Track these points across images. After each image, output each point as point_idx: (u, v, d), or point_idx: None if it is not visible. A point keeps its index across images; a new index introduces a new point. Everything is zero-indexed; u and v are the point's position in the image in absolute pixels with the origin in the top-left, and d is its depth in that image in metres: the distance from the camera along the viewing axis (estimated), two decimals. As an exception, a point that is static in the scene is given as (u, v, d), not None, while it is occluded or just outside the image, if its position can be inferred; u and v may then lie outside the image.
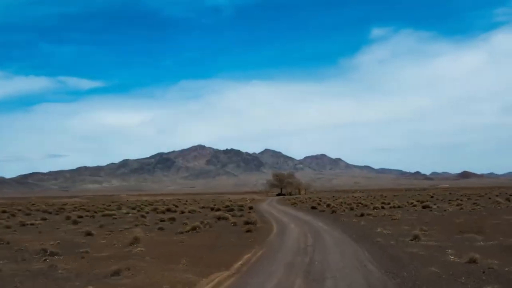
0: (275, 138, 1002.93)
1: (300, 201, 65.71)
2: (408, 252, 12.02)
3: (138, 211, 36.62)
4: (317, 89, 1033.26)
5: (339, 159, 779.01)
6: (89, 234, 17.57)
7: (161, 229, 19.22)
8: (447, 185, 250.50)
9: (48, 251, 11.08)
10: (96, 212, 34.99)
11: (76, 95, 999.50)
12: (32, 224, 24.20)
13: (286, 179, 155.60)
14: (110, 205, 51.58)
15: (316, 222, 25.12)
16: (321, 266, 10.30)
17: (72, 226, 23.37)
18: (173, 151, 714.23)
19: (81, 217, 31.06)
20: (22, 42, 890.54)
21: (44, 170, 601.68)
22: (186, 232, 19.26)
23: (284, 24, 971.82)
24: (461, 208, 32.45)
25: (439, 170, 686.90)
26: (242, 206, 45.51)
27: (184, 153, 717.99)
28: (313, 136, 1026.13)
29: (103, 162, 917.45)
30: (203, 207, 43.59)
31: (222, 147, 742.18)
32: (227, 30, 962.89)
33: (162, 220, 25.85)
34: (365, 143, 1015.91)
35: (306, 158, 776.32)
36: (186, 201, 63.77)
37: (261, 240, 16.29)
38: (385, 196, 78.30)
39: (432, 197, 64.81)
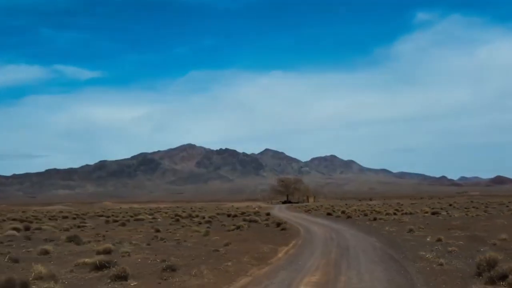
0: (280, 137, 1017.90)
1: (312, 208, 75.07)
2: (402, 238, 21.38)
3: (164, 216, 46.01)
4: (342, 80, 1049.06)
5: (352, 161, 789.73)
6: (160, 230, 26.85)
7: (206, 230, 28.31)
8: (477, 192, 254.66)
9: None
10: (131, 217, 44.39)
11: (71, 86, 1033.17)
12: (83, 227, 33.47)
13: (292, 185, 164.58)
14: (124, 212, 60.96)
15: (334, 225, 34.48)
16: (345, 244, 19.60)
17: (124, 227, 32.52)
18: (158, 151, 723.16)
19: (116, 221, 40.37)
20: (20, 27, 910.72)
21: (7, 173, 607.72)
22: (233, 230, 28.46)
23: (311, 7, 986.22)
24: (466, 214, 41.98)
25: (469, 174, 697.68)
26: (258, 212, 54.96)
27: (171, 153, 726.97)
28: (324, 135, 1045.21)
29: (78, 163, 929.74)
30: (218, 214, 52.91)
31: (215, 146, 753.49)
32: (247, 14, 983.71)
33: (200, 223, 35.13)
34: (384, 143, 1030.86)
35: (313, 159, 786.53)
36: (184, 210, 72.76)
37: (296, 235, 25.53)
38: (402, 204, 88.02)
39: (450, 205, 74.43)
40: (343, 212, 52.21)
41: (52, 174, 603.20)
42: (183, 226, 32.03)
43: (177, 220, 39.68)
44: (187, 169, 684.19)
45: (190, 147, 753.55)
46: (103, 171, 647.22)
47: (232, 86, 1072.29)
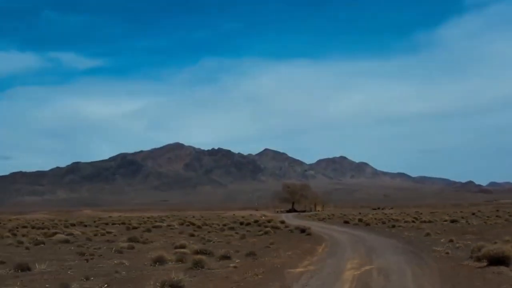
0: (284, 135, 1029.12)
1: (325, 218, 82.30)
2: (419, 240, 28.69)
3: (181, 224, 53.29)
4: (372, 70, 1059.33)
5: (365, 164, 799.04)
6: (195, 235, 34.02)
7: (242, 235, 35.48)
8: (509, 200, 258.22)
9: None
10: (142, 224, 51.72)
11: (66, 76, 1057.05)
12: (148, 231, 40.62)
13: (299, 192, 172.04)
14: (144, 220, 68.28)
15: (354, 231, 41.71)
16: (370, 244, 26.84)
17: (163, 233, 39.67)
18: (141, 151, 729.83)
19: (136, 227, 47.59)
20: (15, 9, 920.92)
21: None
22: (261, 235, 35.64)
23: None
24: (485, 222, 49.45)
25: (500, 179, 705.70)
26: (270, 221, 62.20)
27: (155, 153, 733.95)
28: (335, 134, 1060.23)
29: (49, 165, 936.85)
30: (232, 222, 60.11)
31: (206, 146, 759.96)
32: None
33: (223, 230, 42.33)
34: (404, 143, 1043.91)
35: (320, 161, 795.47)
36: (182, 219, 79.73)
37: (323, 239, 32.67)
38: (421, 213, 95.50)
39: (473, 214, 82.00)
40: (360, 220, 59.53)
41: (17, 178, 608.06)
42: (209, 232, 39.16)
43: (199, 227, 46.82)
44: (174, 172, 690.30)
45: (177, 146, 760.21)
46: (76, 175, 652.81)
47: (246, 76, 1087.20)
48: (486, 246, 17.62)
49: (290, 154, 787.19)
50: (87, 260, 19.44)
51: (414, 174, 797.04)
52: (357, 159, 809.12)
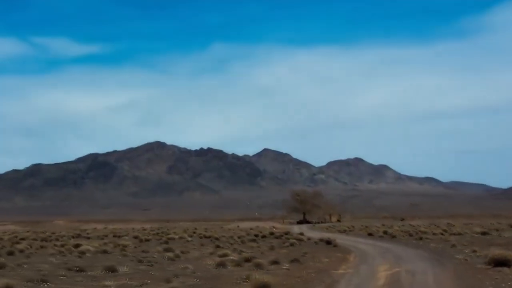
0: (290, 134, 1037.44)
1: (346, 230, 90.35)
2: (445, 250, 36.77)
3: (192, 236, 61.42)
4: (409, 58, 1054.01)
5: (385, 167, 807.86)
6: (221, 246, 41.90)
7: (271, 246, 43.38)
8: None
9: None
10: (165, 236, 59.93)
11: (50, 65, 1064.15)
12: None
13: (311, 200, 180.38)
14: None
15: (380, 243, 49.75)
16: (397, 254, 34.96)
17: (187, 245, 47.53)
18: (115, 151, 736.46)
19: (166, 242, 55.50)
20: None
21: None
22: (287, 247, 43.56)
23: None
24: (518, 234, 57.74)
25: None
26: (288, 233, 70.23)
27: (132, 154, 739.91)
28: (351, 132, 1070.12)
29: (4, 167, 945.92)
30: (248, 234, 68.20)
31: (194, 145, 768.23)
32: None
33: (243, 242, 50.29)
34: (435, 143, 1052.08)
35: (331, 164, 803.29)
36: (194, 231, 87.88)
37: (350, 250, 40.65)
38: (453, 225, 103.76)
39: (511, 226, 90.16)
40: (385, 232, 67.59)
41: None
42: (232, 244, 47.06)
43: (217, 239, 54.79)
44: (155, 176, 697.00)
45: (159, 146, 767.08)
46: (37, 178, 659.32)
47: (258, 65, 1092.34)
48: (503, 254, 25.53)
49: (294, 155, 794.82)
50: (151, 265, 27.28)
51: (445, 178, 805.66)
52: (375, 161, 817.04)
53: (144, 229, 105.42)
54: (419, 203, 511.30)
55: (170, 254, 32.85)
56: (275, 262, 25.69)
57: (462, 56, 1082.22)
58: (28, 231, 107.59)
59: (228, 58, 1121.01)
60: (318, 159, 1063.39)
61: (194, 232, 79.60)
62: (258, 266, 23.47)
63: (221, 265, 25.41)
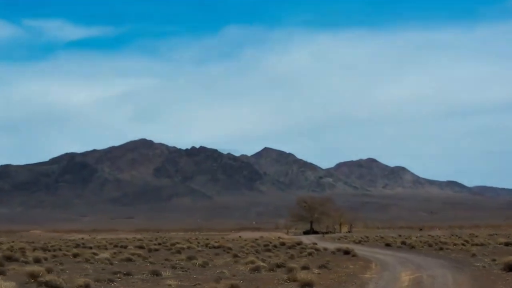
0: (298, 132, 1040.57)
1: (362, 239, 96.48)
2: (464, 259, 43.04)
3: (209, 247, 67.54)
4: (447, 42, 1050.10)
5: (401, 169, 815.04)
6: (238, 255, 47.93)
7: (291, 255, 49.35)
8: None
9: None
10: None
11: (42, 51, 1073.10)
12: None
13: (319, 208, 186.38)
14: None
15: (399, 253, 55.88)
16: (417, 263, 41.17)
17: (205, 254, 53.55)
18: (93, 151, 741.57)
19: (179, 252, 61.57)
20: None
21: None
22: (306, 256, 49.57)
23: None
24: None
25: None
26: (300, 243, 76.30)
27: (113, 154, 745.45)
28: (365, 129, 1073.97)
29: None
30: (258, 245, 74.23)
31: (184, 144, 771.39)
32: None
33: (258, 251, 56.36)
34: (461, 142, 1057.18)
35: (341, 165, 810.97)
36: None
37: (369, 259, 46.72)
38: (476, 236, 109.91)
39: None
40: (403, 243, 73.75)
41: None
42: (247, 253, 53.05)
43: (230, 248, 60.81)
44: (140, 179, 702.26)
45: (144, 144, 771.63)
46: (5, 182, 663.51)
47: (276, 50, 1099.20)
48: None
49: (299, 156, 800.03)
50: (186, 270, 33.27)
51: (471, 183, 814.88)
52: (391, 163, 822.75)
53: (140, 240, 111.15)
54: (439, 211, 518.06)
55: (196, 262, 38.71)
56: (305, 268, 31.62)
57: (507, 42, 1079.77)
58: (13, 241, 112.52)
59: (241, 43, 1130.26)
60: (325, 160, 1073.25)
61: (198, 242, 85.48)
62: (291, 271, 29.31)
63: (255, 270, 31.30)
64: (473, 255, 47.13)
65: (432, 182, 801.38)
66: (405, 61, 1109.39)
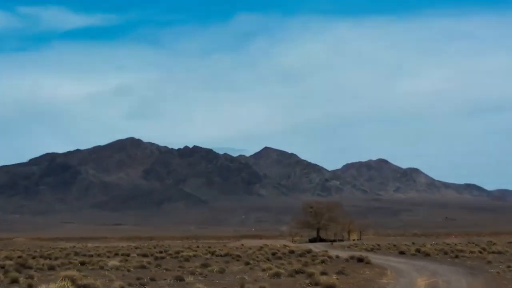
0: (297, 130, 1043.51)
1: (373, 247, 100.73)
2: (479, 266, 47.58)
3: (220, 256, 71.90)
4: (479, 33, 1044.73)
5: (415, 171, 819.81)
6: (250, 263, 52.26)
7: (305, 262, 53.70)
8: None
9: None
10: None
11: (36, 41, 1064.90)
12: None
13: (326, 213, 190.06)
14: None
15: (413, 261, 60.28)
16: (433, 270, 45.70)
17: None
18: (77, 151, 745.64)
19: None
20: None
21: None
22: (319, 263, 53.92)
23: None
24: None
25: None
26: (310, 251, 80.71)
27: (99, 154, 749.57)
28: (376, 127, 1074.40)
29: None
30: (265, 253, 78.58)
31: (177, 143, 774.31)
32: None
33: (269, 259, 60.71)
34: (484, 141, 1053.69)
35: (348, 167, 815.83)
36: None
37: (384, 267, 51.11)
38: (494, 243, 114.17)
39: None
40: (417, 250, 78.06)
41: None
42: (258, 261, 57.36)
43: (239, 256, 65.14)
44: (128, 182, 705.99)
45: (133, 143, 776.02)
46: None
47: (289, 40, 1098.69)
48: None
49: (302, 156, 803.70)
50: (205, 276, 37.58)
51: (491, 186, 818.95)
52: (403, 164, 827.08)
53: (137, 248, 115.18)
54: (456, 217, 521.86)
55: (213, 268, 42.99)
56: (323, 273, 35.91)
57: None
58: (1, 249, 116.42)
59: (252, 32, 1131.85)
60: (331, 161, 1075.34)
61: (203, 250, 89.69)
62: (311, 275, 33.55)
63: (276, 275, 35.58)
64: (489, 262, 51.51)
65: (448, 185, 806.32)
66: (431, 52, 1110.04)
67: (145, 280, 34.04)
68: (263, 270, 40.98)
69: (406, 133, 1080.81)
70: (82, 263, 55.13)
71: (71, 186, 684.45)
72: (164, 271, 43.78)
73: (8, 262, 50.23)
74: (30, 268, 46.05)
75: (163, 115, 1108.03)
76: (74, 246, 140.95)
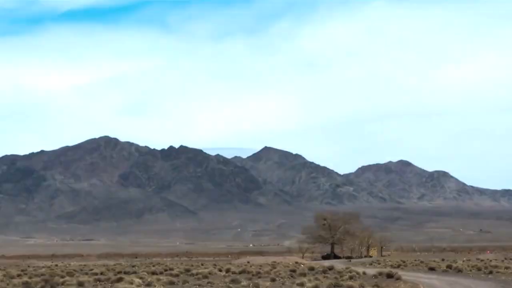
0: (303, 128, 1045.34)
1: (398, 264, 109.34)
2: (513, 281, 56.91)
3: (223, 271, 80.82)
4: None
5: (443, 174, 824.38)
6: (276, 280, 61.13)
7: (334, 277, 62.55)
8: None
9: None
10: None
11: (29, 24, 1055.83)
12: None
13: (342, 225, 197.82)
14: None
15: (445, 277, 69.23)
16: (467, 285, 55.09)
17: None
18: (42, 152, 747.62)
19: (206, 277, 74.76)
20: None
21: None
22: (348, 279, 62.80)
23: None
24: None
25: None
26: (332, 268, 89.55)
27: (67, 156, 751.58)
28: (396, 124, 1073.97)
29: None
30: (284, 272, 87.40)
31: (160, 144, 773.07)
32: None
33: (292, 276, 69.61)
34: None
35: (364, 170, 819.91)
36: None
37: (416, 283, 60.10)
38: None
39: None
40: (448, 266, 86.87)
41: None
42: (282, 278, 66.17)
43: (253, 275, 73.95)
44: (101, 189, 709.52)
45: (108, 144, 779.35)
46: None
47: (313, 23, 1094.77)
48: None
49: (309, 158, 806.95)
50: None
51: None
52: (430, 167, 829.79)
53: (134, 266, 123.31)
54: (492, 228, 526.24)
55: (249, 283, 51.75)
56: (362, 286, 44.67)
57: None
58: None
59: (273, 14, 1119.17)
60: (343, 163, 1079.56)
61: (218, 268, 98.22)
62: (350, 288, 42.35)
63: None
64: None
65: (482, 191, 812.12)
66: (474, 37, 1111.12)
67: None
68: (298, 284, 49.57)
69: (434, 130, 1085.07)
70: (97, 280, 63.43)
71: (33, 195, 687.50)
72: (198, 286, 52.28)
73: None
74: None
75: (145, 110, 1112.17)
76: (56, 265, 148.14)
